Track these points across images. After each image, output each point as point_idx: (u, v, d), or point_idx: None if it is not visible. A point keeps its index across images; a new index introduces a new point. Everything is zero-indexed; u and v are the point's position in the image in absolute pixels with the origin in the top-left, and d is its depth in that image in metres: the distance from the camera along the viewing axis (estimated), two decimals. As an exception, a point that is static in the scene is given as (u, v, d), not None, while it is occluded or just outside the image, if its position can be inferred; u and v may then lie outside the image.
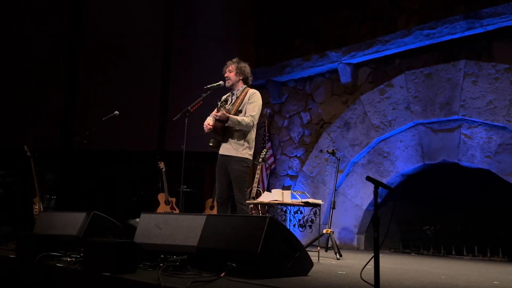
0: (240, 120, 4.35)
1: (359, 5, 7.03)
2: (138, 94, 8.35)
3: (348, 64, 6.88)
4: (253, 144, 4.50)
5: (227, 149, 4.42)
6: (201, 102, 4.63)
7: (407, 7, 6.46)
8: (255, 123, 4.48)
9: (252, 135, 4.49)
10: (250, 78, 4.67)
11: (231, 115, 4.35)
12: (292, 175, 7.59)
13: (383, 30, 6.57)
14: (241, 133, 4.42)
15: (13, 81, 8.30)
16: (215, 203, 7.13)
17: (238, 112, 4.45)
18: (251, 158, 4.48)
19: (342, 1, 7.28)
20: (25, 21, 8.43)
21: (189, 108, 4.51)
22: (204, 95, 4.59)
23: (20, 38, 8.38)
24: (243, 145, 4.40)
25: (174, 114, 4.75)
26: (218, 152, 4.50)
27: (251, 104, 4.45)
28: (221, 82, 4.64)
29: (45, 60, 8.37)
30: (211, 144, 4.50)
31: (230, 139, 4.42)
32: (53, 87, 8.38)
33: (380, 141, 6.50)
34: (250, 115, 4.39)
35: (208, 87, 4.61)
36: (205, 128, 4.44)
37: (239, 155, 4.37)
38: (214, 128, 4.39)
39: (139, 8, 8.64)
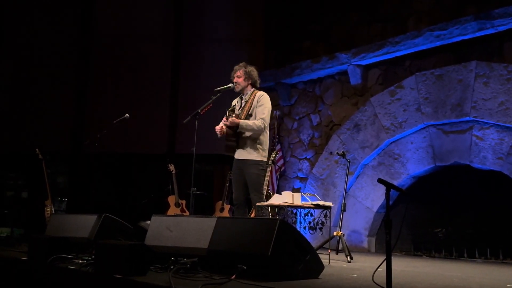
0: (251, 124, 4.42)
1: (369, 6, 7.01)
2: (148, 97, 8.38)
3: (358, 65, 6.86)
4: (266, 146, 4.60)
5: (242, 153, 4.52)
6: (211, 105, 4.65)
7: (417, 8, 6.43)
8: (266, 125, 4.53)
9: (265, 137, 4.57)
10: (258, 81, 4.74)
11: (241, 121, 4.40)
12: (302, 177, 7.57)
13: (393, 31, 6.54)
14: (254, 136, 4.48)
15: (24, 85, 8.37)
16: (225, 205, 7.20)
17: (248, 116, 4.51)
18: (265, 159, 4.58)
19: (351, 3, 7.26)
20: (36, 24, 8.50)
21: (199, 111, 4.53)
22: (214, 97, 4.60)
23: (31, 42, 8.44)
24: (257, 148, 4.49)
25: (184, 116, 4.76)
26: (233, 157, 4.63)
27: (260, 107, 4.51)
28: (231, 85, 4.67)
29: (56, 63, 8.42)
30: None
31: (243, 144, 4.50)
32: (64, 91, 8.43)
33: (391, 143, 6.47)
34: (260, 118, 4.47)
35: (218, 90, 4.62)
36: (218, 134, 4.52)
37: (253, 158, 4.46)
38: (226, 134, 4.47)
39: (149, 12, 8.69)
